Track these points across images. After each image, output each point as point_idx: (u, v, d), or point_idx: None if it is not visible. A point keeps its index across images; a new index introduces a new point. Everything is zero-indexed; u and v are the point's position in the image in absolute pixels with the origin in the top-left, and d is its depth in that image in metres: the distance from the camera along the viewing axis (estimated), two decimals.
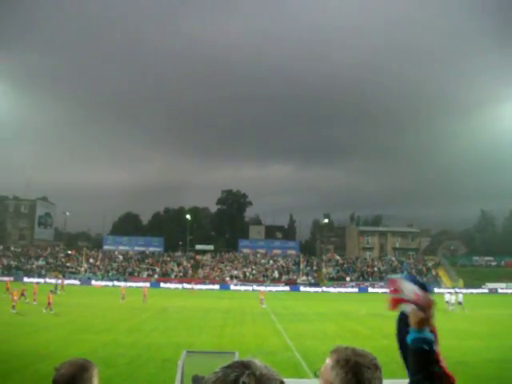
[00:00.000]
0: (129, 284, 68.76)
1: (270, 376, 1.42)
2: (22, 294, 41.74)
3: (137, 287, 65.70)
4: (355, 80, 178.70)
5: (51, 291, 39.80)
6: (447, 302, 46.68)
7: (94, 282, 77.76)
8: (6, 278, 68.16)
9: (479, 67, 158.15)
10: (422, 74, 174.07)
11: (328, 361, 2.07)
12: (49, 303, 35.58)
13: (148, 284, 70.70)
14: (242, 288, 77.21)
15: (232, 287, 77.97)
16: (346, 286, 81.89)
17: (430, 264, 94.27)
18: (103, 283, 77.11)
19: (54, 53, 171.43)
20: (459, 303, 45.80)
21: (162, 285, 76.74)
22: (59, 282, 62.10)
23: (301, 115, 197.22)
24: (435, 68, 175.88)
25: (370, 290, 79.47)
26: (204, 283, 79.11)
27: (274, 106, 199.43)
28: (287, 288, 78.74)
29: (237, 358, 10.11)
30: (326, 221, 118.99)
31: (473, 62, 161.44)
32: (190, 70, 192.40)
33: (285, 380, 1.54)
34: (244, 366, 1.42)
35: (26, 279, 70.11)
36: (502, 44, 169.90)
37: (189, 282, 77.72)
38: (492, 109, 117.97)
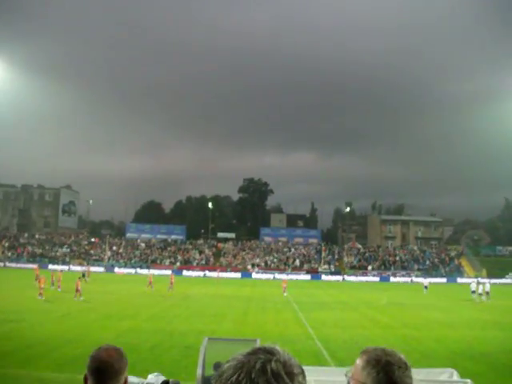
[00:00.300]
0: (151, 271, 69.28)
1: (293, 363, 1.41)
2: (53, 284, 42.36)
3: (159, 275, 66.20)
4: (380, 68, 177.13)
5: (80, 278, 39.99)
6: (473, 291, 46.25)
7: (116, 270, 78.64)
8: (31, 266, 69.32)
9: (505, 53, 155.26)
10: (449, 61, 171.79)
11: (358, 361, 2.07)
12: (77, 290, 35.75)
13: (171, 271, 71.15)
14: (264, 276, 77.44)
15: (254, 275, 78.21)
16: (367, 275, 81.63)
17: (452, 254, 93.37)
18: (126, 270, 77.97)
19: (78, 42, 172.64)
20: (487, 293, 45.29)
21: (185, 273, 77.24)
22: (85, 268, 62.83)
23: (324, 104, 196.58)
24: (461, 54, 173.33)
25: (392, 279, 79.12)
26: (226, 271, 79.47)
27: (298, 95, 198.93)
28: (308, 276, 78.75)
29: (258, 345, 10.16)
30: (348, 209, 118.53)
31: (500, 47, 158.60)
32: (213, 59, 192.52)
33: (306, 367, 1.57)
34: (269, 353, 1.40)
35: (50, 266, 71.12)
36: None
37: (211, 270, 78.26)
38: None
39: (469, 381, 7.16)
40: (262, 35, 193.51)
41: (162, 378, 9.84)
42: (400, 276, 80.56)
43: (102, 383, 2.72)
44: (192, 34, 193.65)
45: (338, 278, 79.07)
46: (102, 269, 77.83)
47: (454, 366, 9.46)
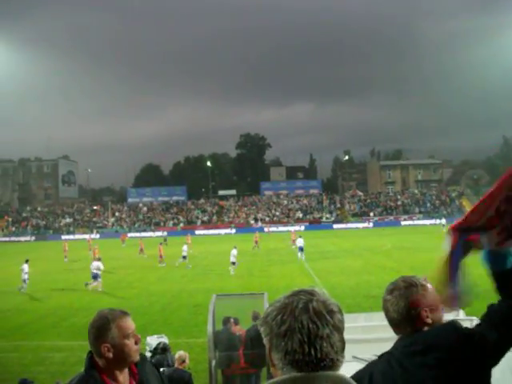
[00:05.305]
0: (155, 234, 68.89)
1: (332, 302, 1.59)
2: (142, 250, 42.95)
3: (157, 237, 66.16)
4: (376, 13, 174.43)
5: (161, 243, 39.66)
6: None
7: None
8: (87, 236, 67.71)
9: None
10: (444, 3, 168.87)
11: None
12: (160, 256, 36.18)
13: (189, 233, 71.23)
14: (268, 230, 77.67)
15: (257, 230, 78.28)
16: (370, 222, 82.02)
17: (453, 194, 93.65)
18: (131, 235, 77.60)
19: (68, 12, 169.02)
20: None
21: (189, 233, 77.32)
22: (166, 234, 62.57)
23: (320, 51, 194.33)
24: None
25: (395, 224, 79.50)
26: (229, 227, 79.91)
27: (295, 43, 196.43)
28: (312, 227, 78.99)
29: (266, 299, 10.31)
30: (347, 158, 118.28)
31: None
32: (206, 14, 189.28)
33: None
34: (309, 294, 1.56)
35: (61, 237, 70.94)
36: None
37: (215, 229, 78.86)
38: None
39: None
40: None
41: (161, 340, 10.08)
42: (402, 220, 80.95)
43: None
44: None
45: (342, 226, 79.35)
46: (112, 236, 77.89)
47: None
